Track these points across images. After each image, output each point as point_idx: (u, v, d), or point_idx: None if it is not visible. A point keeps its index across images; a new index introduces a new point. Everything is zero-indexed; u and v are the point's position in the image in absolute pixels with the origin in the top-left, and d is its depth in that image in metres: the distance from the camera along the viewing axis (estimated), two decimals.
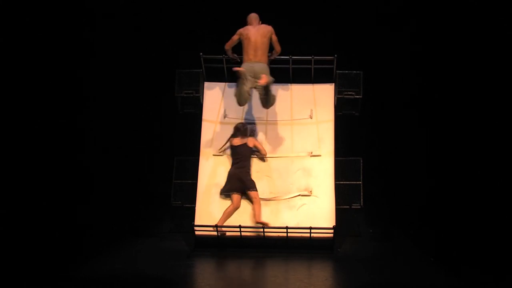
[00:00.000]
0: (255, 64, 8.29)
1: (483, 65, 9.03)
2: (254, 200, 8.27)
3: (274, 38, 8.52)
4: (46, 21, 9.15)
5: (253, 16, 8.57)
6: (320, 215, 8.18)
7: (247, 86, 8.22)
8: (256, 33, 8.40)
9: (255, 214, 8.19)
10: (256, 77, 8.17)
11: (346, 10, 9.86)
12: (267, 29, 8.47)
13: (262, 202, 8.33)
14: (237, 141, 8.52)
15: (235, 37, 8.54)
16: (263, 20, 8.55)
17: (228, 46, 8.65)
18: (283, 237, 8.05)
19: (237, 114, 8.95)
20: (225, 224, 8.14)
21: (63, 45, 9.39)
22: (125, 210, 9.32)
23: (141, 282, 6.87)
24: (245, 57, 8.40)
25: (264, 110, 8.90)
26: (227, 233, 8.17)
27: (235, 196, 8.29)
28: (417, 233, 8.64)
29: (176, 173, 8.69)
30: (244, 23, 8.52)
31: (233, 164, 8.45)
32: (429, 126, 9.67)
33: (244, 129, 8.62)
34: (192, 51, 9.05)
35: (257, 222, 8.13)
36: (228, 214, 8.20)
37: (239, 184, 8.30)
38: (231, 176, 8.36)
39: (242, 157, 8.44)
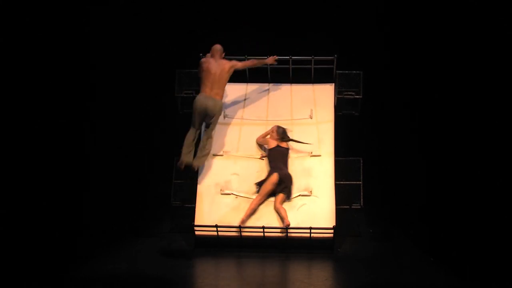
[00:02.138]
0: (209, 99, 8.28)
1: (483, 65, 9.02)
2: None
3: (241, 64, 8.50)
4: (45, 21, 9.15)
5: (216, 48, 8.55)
6: (320, 215, 8.17)
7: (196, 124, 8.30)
8: (217, 67, 8.37)
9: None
10: (206, 112, 8.23)
11: (346, 10, 9.85)
12: (229, 64, 8.44)
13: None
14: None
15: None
16: (263, 20, 8.52)
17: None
18: (283, 237, 8.06)
19: (237, 114, 8.95)
20: (225, 224, 8.14)
21: (62, 45, 9.38)
22: (125, 210, 9.31)
23: (141, 282, 6.88)
24: (202, 88, 8.39)
25: (264, 110, 8.92)
26: (227, 233, 8.16)
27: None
28: (417, 233, 8.64)
29: (176, 173, 8.68)
30: (243, 24, 8.50)
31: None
32: (429, 126, 9.65)
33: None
34: (192, 51, 9.05)
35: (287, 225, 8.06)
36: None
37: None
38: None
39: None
